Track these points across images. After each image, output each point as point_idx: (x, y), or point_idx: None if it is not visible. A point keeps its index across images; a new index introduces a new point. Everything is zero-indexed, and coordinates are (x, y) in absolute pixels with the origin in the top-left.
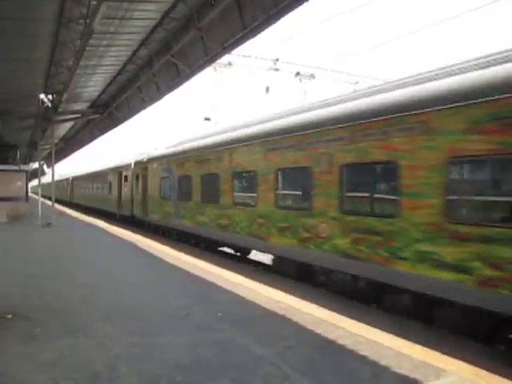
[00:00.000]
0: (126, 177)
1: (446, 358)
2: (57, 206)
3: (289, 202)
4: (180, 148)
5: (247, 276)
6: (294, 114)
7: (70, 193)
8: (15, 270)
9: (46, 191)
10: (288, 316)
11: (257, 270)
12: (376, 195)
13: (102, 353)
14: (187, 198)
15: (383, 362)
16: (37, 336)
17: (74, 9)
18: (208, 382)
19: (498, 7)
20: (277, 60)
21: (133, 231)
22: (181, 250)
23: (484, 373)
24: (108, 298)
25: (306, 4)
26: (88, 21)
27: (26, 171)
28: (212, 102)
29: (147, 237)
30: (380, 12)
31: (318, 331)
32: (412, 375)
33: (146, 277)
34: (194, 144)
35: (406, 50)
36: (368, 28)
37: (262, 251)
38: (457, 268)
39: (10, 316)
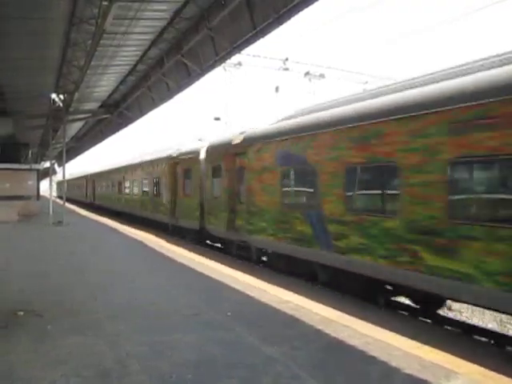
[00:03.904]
0: None
1: (456, 359)
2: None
3: None
4: None
5: (257, 276)
6: None
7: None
8: (27, 268)
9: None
10: (297, 316)
11: (266, 270)
12: None
13: (113, 350)
14: None
15: (393, 363)
16: (48, 333)
17: (86, 9)
18: (217, 380)
19: (504, 6)
20: (286, 60)
21: (142, 230)
22: (191, 249)
23: (495, 375)
24: (118, 297)
25: (316, 3)
26: (99, 21)
27: (38, 170)
28: (222, 102)
29: (157, 236)
30: (388, 11)
31: (327, 331)
32: (422, 376)
33: (156, 276)
34: None
35: (414, 50)
36: (377, 27)
37: None
38: None
39: (21, 313)
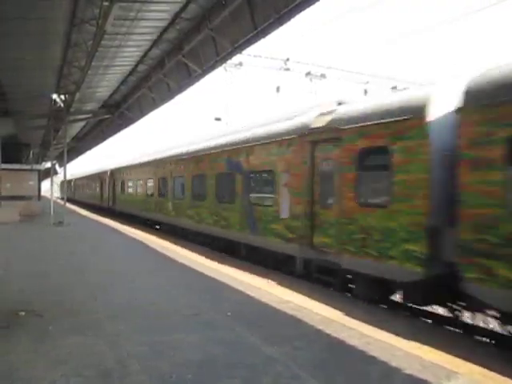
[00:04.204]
0: None
1: (456, 359)
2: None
3: None
4: None
5: (257, 276)
6: None
7: None
8: (27, 268)
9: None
10: (298, 316)
11: (267, 270)
12: None
13: (113, 350)
14: None
15: (393, 363)
16: (49, 333)
17: (87, 9)
18: (217, 380)
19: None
20: (287, 60)
21: (143, 230)
22: (191, 249)
23: (496, 375)
24: (119, 297)
25: (316, 3)
26: (100, 21)
27: (39, 170)
28: (223, 102)
29: (157, 236)
30: (388, 11)
31: (328, 331)
32: (422, 376)
33: (156, 276)
34: None
35: (415, 50)
36: (377, 27)
37: None
38: None
39: (23, 313)
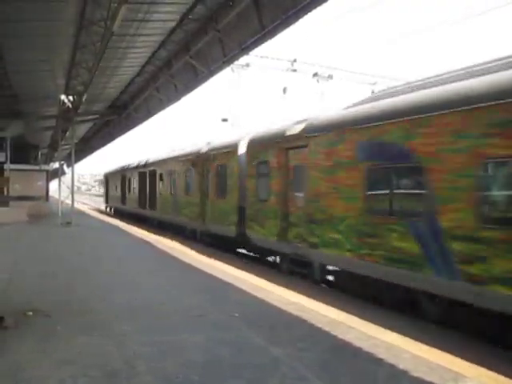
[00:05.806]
0: None
1: (464, 362)
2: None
3: None
4: None
5: (264, 277)
6: None
7: None
8: (34, 269)
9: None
10: (304, 317)
11: (273, 272)
12: None
13: (120, 351)
14: None
15: (400, 365)
16: (57, 333)
17: (95, 11)
18: (224, 381)
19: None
20: (294, 61)
21: (149, 231)
22: (197, 249)
23: (504, 379)
24: (125, 298)
25: (324, 4)
26: (108, 23)
27: (47, 171)
28: (229, 103)
29: (164, 237)
30: (388, 11)
31: (334, 333)
32: (429, 379)
33: (162, 277)
34: None
35: (417, 50)
36: (378, 27)
37: None
38: None
39: (30, 313)
